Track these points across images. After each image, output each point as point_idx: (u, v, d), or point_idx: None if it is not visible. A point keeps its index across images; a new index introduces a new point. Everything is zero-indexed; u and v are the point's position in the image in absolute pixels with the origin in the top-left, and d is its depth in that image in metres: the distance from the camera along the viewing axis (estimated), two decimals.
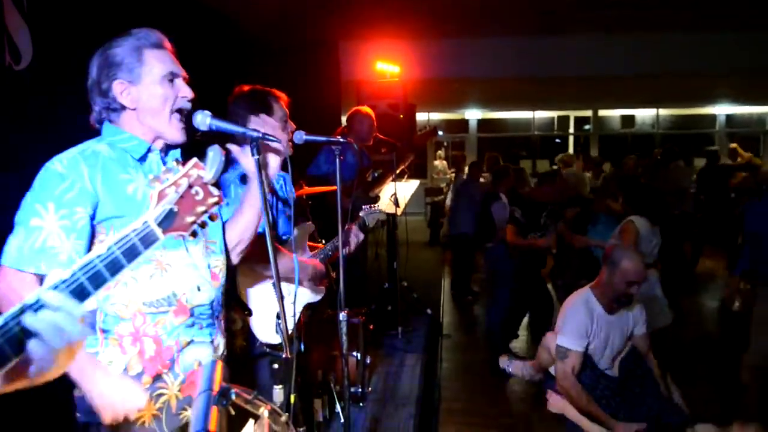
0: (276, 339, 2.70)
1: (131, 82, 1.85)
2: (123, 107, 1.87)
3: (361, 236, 3.27)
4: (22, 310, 1.03)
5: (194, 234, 1.26)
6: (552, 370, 3.73)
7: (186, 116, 1.91)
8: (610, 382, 3.61)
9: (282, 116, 2.76)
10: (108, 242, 1.15)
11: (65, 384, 1.95)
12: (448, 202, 10.99)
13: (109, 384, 1.70)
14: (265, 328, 2.74)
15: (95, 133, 2.00)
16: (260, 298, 2.74)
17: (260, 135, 1.89)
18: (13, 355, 1.01)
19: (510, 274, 5.73)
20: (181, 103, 1.88)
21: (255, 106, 2.69)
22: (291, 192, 2.86)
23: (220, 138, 1.88)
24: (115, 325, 1.84)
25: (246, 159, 1.97)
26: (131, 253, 1.16)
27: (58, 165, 1.78)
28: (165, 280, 1.86)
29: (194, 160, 1.27)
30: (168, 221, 1.21)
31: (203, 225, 1.27)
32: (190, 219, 1.23)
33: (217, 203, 1.27)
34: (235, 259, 2.16)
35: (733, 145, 11.39)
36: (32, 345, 1.02)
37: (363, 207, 3.40)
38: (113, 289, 1.81)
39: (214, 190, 1.27)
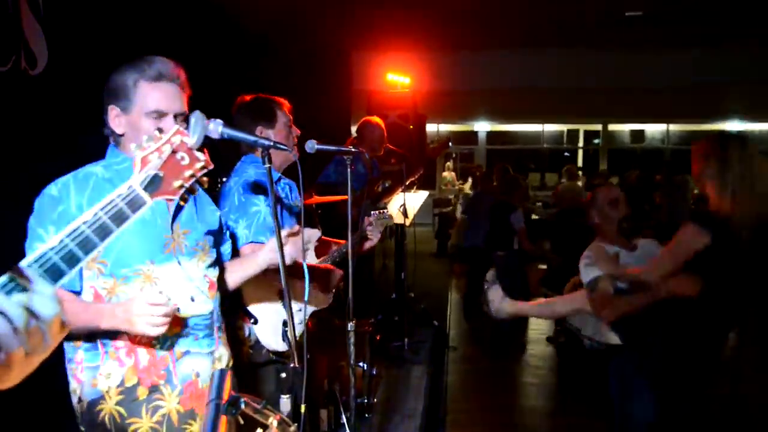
0: (282, 346, 2.69)
1: (123, 110, 1.90)
2: (114, 131, 1.93)
3: (379, 234, 3.27)
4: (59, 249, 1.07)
5: (184, 199, 1.28)
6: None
7: None
8: None
9: (285, 122, 2.79)
10: (93, 209, 1.17)
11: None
12: (457, 214, 10.97)
13: (123, 308, 1.73)
14: (271, 336, 2.73)
15: (104, 135, 2.03)
16: (266, 305, 2.73)
17: (271, 143, 1.90)
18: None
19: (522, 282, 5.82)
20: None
21: (258, 114, 2.71)
22: (297, 199, 2.86)
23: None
24: (113, 337, 1.86)
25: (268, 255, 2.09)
26: (119, 218, 1.18)
27: (53, 189, 1.87)
28: (155, 292, 1.87)
29: (176, 126, 1.30)
30: (154, 185, 1.23)
31: (192, 190, 1.31)
32: (177, 183, 1.26)
33: (204, 167, 1.30)
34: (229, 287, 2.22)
35: None
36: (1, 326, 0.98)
37: (371, 212, 3.40)
38: (106, 303, 1.83)
39: (200, 155, 1.29)
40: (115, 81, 1.91)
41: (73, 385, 1.92)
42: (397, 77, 7.49)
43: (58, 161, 3.20)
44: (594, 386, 4.94)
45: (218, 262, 2.10)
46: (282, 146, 1.93)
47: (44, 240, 1.75)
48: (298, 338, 2.69)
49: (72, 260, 1.11)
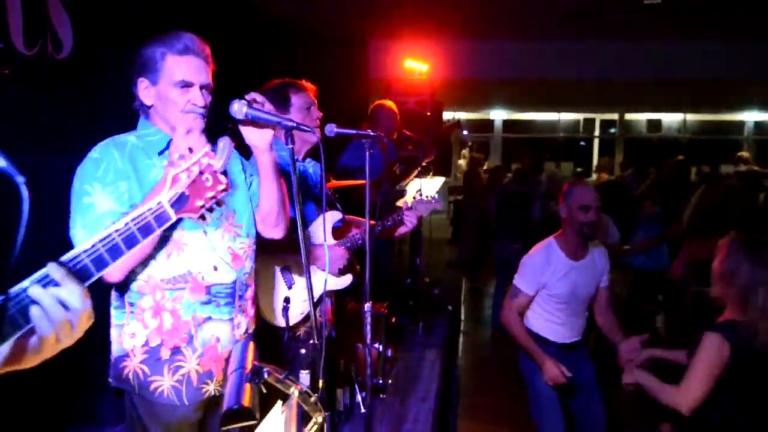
0: (281, 322, 2.74)
1: (152, 82, 1.97)
2: (143, 102, 2.00)
3: (415, 221, 3.33)
4: (32, 283, 1.08)
5: (203, 217, 1.34)
6: None
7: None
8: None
9: (302, 105, 2.83)
10: (126, 219, 1.22)
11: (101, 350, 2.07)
12: None
13: None
14: (269, 311, 2.79)
15: (129, 116, 2.09)
16: (269, 281, 2.79)
17: (294, 124, 1.93)
18: (25, 324, 1.06)
19: None
20: (189, 108, 1.95)
21: (274, 98, 2.75)
22: (317, 178, 2.91)
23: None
24: (138, 299, 1.96)
25: (251, 134, 2.00)
26: (146, 230, 1.23)
27: (94, 153, 1.94)
28: (181, 259, 1.96)
29: (206, 148, 1.35)
30: (180, 203, 1.29)
31: (211, 209, 1.35)
32: (199, 203, 1.31)
33: (224, 190, 1.35)
34: (271, 231, 2.22)
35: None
36: (35, 316, 1.05)
37: (418, 198, 3.44)
38: (137, 266, 1.91)
39: (223, 178, 1.34)
40: (144, 54, 1.97)
41: (112, 337, 2.02)
42: (415, 64, 7.48)
43: (82, 142, 3.26)
44: (603, 372, 4.97)
45: (246, 234, 2.15)
46: (305, 127, 1.96)
47: (90, 194, 1.85)
48: (310, 316, 2.76)
49: (100, 264, 1.17)
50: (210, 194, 1.33)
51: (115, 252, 1.20)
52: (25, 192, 0.77)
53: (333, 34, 8.15)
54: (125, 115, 2.18)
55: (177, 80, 1.94)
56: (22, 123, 3.10)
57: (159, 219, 1.26)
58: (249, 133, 2.00)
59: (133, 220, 1.23)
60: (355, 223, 3.23)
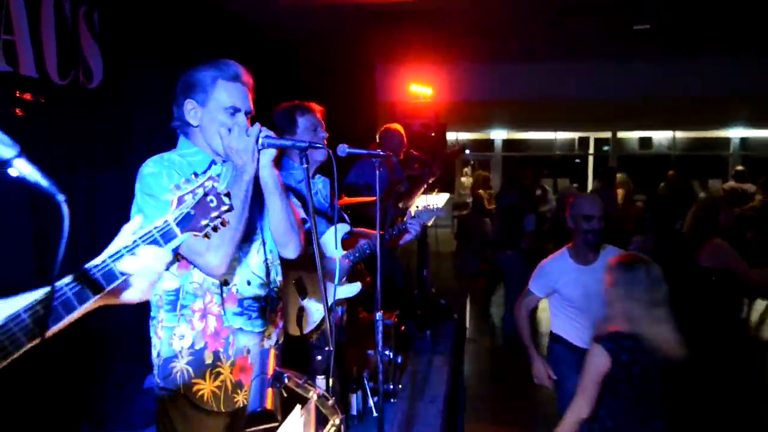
0: (295, 331, 2.74)
1: (200, 103, 1.94)
2: (189, 124, 1.96)
3: (418, 228, 3.34)
4: (120, 253, 1.19)
5: (207, 235, 1.36)
6: None
7: None
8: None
9: (309, 126, 2.83)
10: (134, 236, 1.25)
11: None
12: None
13: None
14: (287, 320, 2.79)
15: (160, 141, 2.09)
16: (284, 292, 2.80)
17: (306, 144, 1.94)
18: (106, 286, 1.16)
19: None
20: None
21: (282, 120, 2.77)
22: (327, 195, 2.92)
23: None
24: (192, 302, 1.95)
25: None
26: (154, 245, 1.26)
27: (148, 168, 1.91)
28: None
29: (209, 174, 1.39)
30: (185, 222, 1.31)
31: (215, 228, 1.37)
32: (204, 222, 1.33)
33: (228, 210, 1.37)
34: (283, 250, 2.16)
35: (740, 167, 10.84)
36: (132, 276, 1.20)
37: (422, 207, 3.45)
38: (192, 270, 1.90)
39: (226, 200, 1.37)
40: (194, 77, 1.95)
41: (154, 340, 2.02)
42: (420, 88, 7.52)
43: (111, 166, 3.30)
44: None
45: (273, 246, 2.14)
46: (316, 145, 1.97)
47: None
48: (322, 324, 2.76)
49: (112, 277, 1.19)
50: (214, 214, 1.35)
51: (107, 276, 1.19)
52: (65, 209, 0.78)
53: (343, 60, 8.21)
54: (150, 138, 2.20)
55: (227, 105, 1.92)
56: (57, 146, 3.13)
57: (165, 236, 1.28)
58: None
59: (141, 237, 1.25)
60: (363, 234, 3.24)
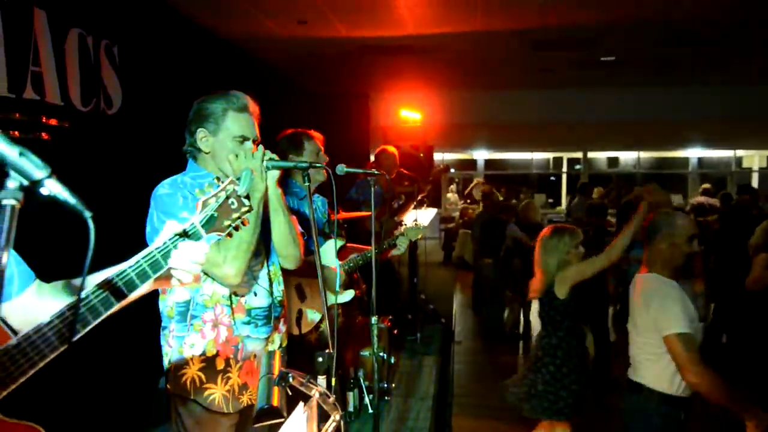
0: (294, 331, 2.73)
1: (211, 133, 1.93)
2: (201, 150, 1.96)
3: (404, 246, 3.41)
4: (166, 247, 1.23)
5: (230, 235, 1.36)
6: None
7: None
8: None
9: (313, 150, 2.88)
10: (162, 238, 1.25)
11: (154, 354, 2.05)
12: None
13: None
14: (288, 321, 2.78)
15: (172, 163, 2.08)
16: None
17: (308, 164, 1.95)
18: (153, 275, 1.21)
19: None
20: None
21: (288, 145, 2.79)
22: (326, 212, 2.93)
23: None
24: (202, 312, 1.93)
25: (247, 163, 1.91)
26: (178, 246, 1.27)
27: (164, 189, 1.89)
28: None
29: (231, 177, 1.38)
30: (209, 224, 1.31)
31: (237, 228, 1.37)
32: (227, 223, 1.33)
33: (248, 212, 1.36)
34: (283, 261, 2.13)
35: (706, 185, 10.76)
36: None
37: (408, 225, 3.47)
38: (202, 283, 1.89)
39: (246, 202, 1.36)
40: (206, 108, 1.94)
41: (165, 348, 1.99)
42: (410, 113, 7.56)
43: (128, 184, 3.29)
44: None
45: (277, 261, 2.12)
46: (317, 164, 1.98)
47: (187, 219, 1.79)
48: (320, 325, 2.75)
49: (144, 276, 1.21)
50: (236, 215, 1.35)
51: (155, 266, 1.22)
52: (92, 225, 0.78)
53: (339, 89, 8.26)
54: (163, 159, 2.19)
55: (236, 135, 1.92)
56: (80, 167, 3.13)
57: (192, 237, 1.28)
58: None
59: (169, 239, 1.25)
60: (355, 248, 3.25)
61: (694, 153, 15.96)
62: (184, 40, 4.46)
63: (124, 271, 1.18)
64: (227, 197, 1.34)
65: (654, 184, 4.20)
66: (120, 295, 1.16)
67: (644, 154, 16.55)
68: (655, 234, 2.57)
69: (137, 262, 1.20)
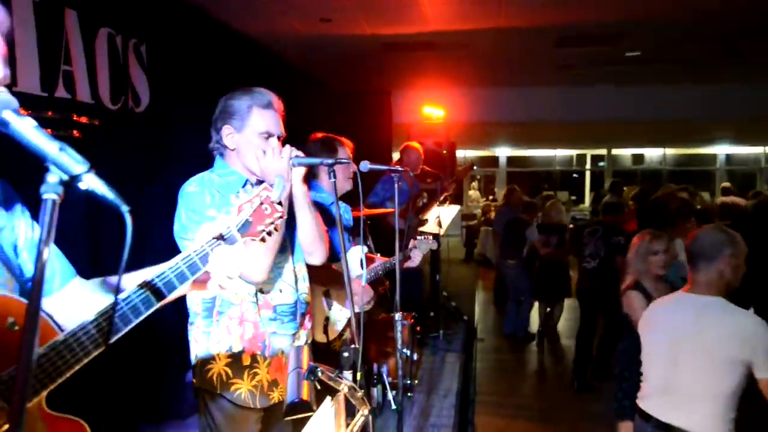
0: (322, 338, 2.75)
1: (236, 129, 1.94)
2: (226, 146, 1.97)
3: (418, 260, 3.37)
4: (203, 250, 1.28)
5: (263, 240, 1.38)
6: None
7: None
8: None
9: (345, 157, 2.87)
10: (201, 241, 1.28)
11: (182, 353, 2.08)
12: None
13: None
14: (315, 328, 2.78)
15: (199, 160, 2.10)
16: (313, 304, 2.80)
17: (333, 161, 1.96)
18: (190, 277, 1.26)
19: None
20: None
21: (323, 148, 2.80)
22: (350, 219, 2.94)
23: None
24: (228, 308, 1.95)
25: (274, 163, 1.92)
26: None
27: (191, 187, 1.91)
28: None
29: (265, 183, 1.42)
30: (245, 228, 1.34)
31: (270, 233, 1.39)
32: (260, 228, 1.37)
33: (280, 217, 1.39)
34: (309, 258, 2.14)
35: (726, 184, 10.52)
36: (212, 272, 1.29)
37: (418, 237, 3.47)
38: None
39: (279, 207, 1.39)
40: (231, 105, 1.95)
41: (192, 344, 2.01)
42: (432, 110, 7.53)
43: (156, 180, 3.33)
44: (604, 378, 4.89)
45: (303, 258, 2.13)
46: (343, 161, 1.98)
47: (214, 218, 1.79)
48: (344, 333, 2.76)
49: (182, 278, 1.24)
50: (269, 221, 1.38)
51: (193, 268, 1.26)
52: (129, 219, 0.79)
53: (362, 86, 8.26)
54: (190, 156, 2.22)
55: (261, 131, 1.92)
56: (110, 163, 3.18)
57: (227, 241, 1.31)
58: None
59: (207, 242, 1.28)
60: (375, 259, 3.24)
61: (721, 149, 15.65)
62: (208, 39, 4.50)
63: (164, 272, 1.22)
64: (261, 203, 1.37)
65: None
66: (160, 295, 1.20)
67: (670, 151, 16.27)
68: (719, 253, 2.29)
69: (176, 264, 1.24)
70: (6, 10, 1.08)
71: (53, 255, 1.30)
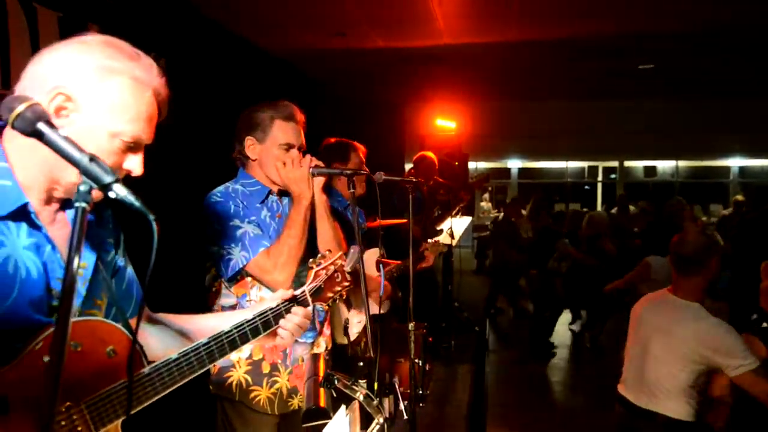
0: (343, 339, 2.76)
1: (258, 140, 1.98)
2: (248, 157, 2.00)
3: (432, 260, 3.45)
4: (278, 310, 1.38)
5: (329, 306, 1.54)
6: None
7: None
8: None
9: (358, 162, 2.90)
10: (277, 301, 1.39)
11: None
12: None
13: None
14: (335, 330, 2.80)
15: (219, 172, 2.12)
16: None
17: (352, 172, 1.99)
18: (263, 332, 1.34)
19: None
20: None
21: (335, 153, 2.83)
22: (364, 223, 2.95)
23: None
24: None
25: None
26: (289, 310, 1.41)
27: (216, 197, 1.95)
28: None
29: (340, 253, 1.52)
30: (317, 294, 1.45)
31: (334, 300, 1.51)
32: (330, 294, 1.47)
33: (348, 286, 1.49)
34: None
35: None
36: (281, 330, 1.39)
37: (432, 241, 3.49)
38: (249, 289, 1.93)
39: (349, 277, 1.49)
40: (254, 117, 1.99)
41: None
42: (445, 122, 7.55)
43: (179, 192, 3.36)
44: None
45: None
46: (361, 172, 2.01)
47: (240, 227, 1.89)
48: (367, 334, 2.76)
49: (255, 332, 1.33)
50: (338, 289, 1.48)
51: (267, 324, 1.36)
52: (155, 227, 0.81)
53: (374, 98, 8.30)
54: (212, 167, 2.25)
55: (282, 142, 1.96)
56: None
57: (301, 303, 1.42)
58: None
59: (282, 303, 1.38)
60: (389, 263, 3.26)
61: (735, 162, 15.50)
62: (226, 53, 4.56)
63: (241, 325, 1.30)
64: (335, 271, 1.47)
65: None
66: (233, 345, 1.28)
67: (683, 163, 16.14)
68: (708, 258, 2.49)
69: (252, 319, 1.33)
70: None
71: (134, 281, 1.34)
